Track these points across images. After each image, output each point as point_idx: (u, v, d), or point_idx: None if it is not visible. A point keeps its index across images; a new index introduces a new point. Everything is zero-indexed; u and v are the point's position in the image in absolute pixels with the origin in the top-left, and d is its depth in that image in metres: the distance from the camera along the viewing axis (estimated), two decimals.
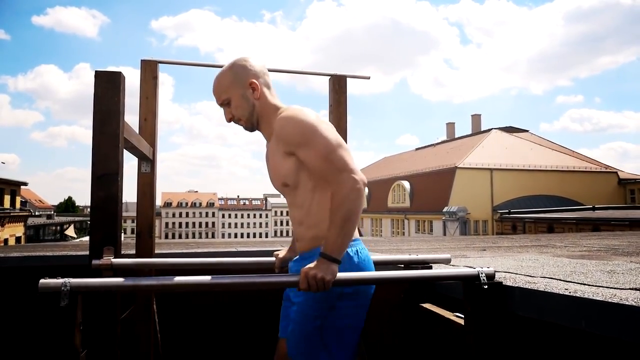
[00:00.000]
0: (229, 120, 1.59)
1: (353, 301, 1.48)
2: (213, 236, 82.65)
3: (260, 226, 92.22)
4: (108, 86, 1.74)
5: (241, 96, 1.54)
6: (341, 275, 1.39)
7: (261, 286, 1.41)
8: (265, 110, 1.56)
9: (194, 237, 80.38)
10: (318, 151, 1.41)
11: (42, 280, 1.27)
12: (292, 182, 1.51)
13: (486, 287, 1.55)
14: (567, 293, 1.41)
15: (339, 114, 2.77)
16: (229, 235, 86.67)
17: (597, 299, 1.30)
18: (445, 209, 28.64)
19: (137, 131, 2.42)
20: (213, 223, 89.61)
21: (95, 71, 1.74)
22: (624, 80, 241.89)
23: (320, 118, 1.49)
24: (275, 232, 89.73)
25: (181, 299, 3.13)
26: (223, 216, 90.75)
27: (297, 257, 1.62)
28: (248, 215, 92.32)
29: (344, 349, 1.49)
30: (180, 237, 79.89)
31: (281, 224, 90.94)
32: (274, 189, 1.62)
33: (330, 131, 1.46)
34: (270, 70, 2.73)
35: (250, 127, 1.59)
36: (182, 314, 3.13)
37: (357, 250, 1.52)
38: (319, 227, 1.49)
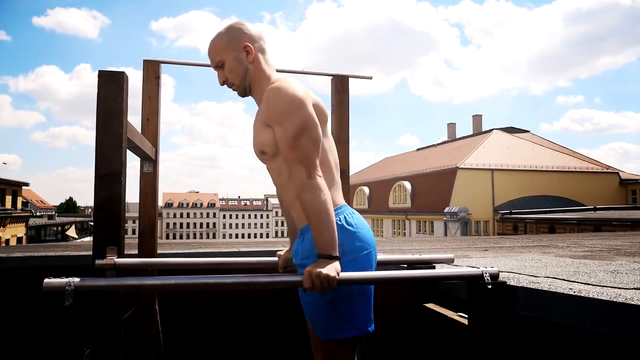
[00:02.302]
0: (221, 84, 1.58)
1: (354, 266, 1.45)
2: (214, 237, 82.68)
3: (261, 227, 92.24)
4: (111, 86, 1.74)
5: (235, 59, 1.53)
6: (344, 274, 1.38)
7: (265, 286, 1.41)
8: (257, 75, 1.55)
9: (195, 237, 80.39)
10: (286, 134, 1.40)
11: (46, 280, 1.27)
12: (269, 151, 1.51)
13: (490, 286, 1.54)
14: (571, 293, 1.41)
15: (341, 114, 2.78)
16: (230, 235, 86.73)
17: (603, 298, 1.30)
18: (446, 210, 28.62)
19: (140, 131, 2.42)
20: (214, 224, 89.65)
21: (99, 71, 1.75)
22: (624, 80, 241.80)
23: (307, 98, 1.45)
24: (276, 232, 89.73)
25: (183, 299, 3.13)
26: (224, 217, 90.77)
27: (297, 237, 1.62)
28: (249, 215, 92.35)
29: (361, 313, 1.48)
30: (181, 237, 79.92)
31: (282, 224, 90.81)
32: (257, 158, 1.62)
33: (307, 115, 1.42)
34: None
35: (243, 91, 1.58)
36: (184, 314, 3.13)
37: (344, 217, 1.49)
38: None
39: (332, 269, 1.33)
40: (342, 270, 1.37)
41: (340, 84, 2.79)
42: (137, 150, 2.20)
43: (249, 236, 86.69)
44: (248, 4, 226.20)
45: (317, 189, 1.38)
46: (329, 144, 1.58)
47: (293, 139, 1.40)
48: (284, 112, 1.41)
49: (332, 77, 2.81)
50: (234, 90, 1.58)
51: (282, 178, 1.55)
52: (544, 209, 26.06)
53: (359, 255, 1.48)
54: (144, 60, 2.54)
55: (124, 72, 1.76)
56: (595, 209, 24.80)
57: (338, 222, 1.45)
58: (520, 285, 1.60)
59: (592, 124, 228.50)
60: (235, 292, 3.17)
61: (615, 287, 1.48)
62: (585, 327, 1.33)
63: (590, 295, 1.35)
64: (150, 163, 2.53)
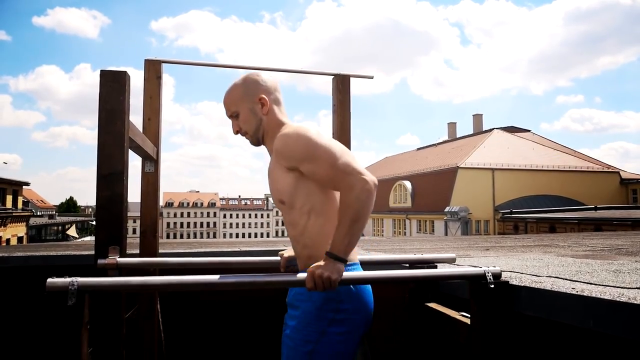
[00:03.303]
0: (235, 133, 1.61)
1: (344, 327, 1.45)
2: (214, 236, 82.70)
3: (262, 226, 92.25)
4: (113, 85, 1.74)
5: (249, 110, 1.56)
6: (347, 274, 1.39)
7: (267, 285, 1.40)
8: (271, 126, 1.57)
9: (195, 237, 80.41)
10: (324, 161, 1.41)
11: (49, 280, 1.27)
12: (288, 200, 1.50)
13: (492, 286, 1.54)
14: (574, 292, 1.41)
15: (342, 114, 2.77)
16: (231, 235, 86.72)
17: (606, 298, 1.29)
18: (446, 209, 28.61)
19: (141, 131, 2.42)
20: (214, 223, 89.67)
21: (101, 71, 1.74)
22: (624, 80, 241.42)
23: (321, 132, 1.49)
24: (277, 232, 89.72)
25: (184, 298, 3.13)
26: (224, 216, 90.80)
27: None
28: (249, 215, 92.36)
29: None
30: (182, 237, 79.93)
31: (282, 224, 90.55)
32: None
33: (332, 142, 1.47)
34: (273, 70, 2.73)
35: (256, 141, 1.61)
36: (186, 314, 3.13)
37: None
38: (313, 248, 1.49)
39: (335, 271, 1.34)
40: (322, 338, 1.40)
41: (341, 83, 2.79)
42: (139, 150, 2.20)
43: (250, 235, 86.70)
44: (248, 4, 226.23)
45: (372, 198, 1.38)
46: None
47: (333, 160, 1.41)
48: (308, 147, 1.43)
49: (333, 76, 2.81)
50: (247, 139, 1.61)
51: (295, 230, 1.53)
52: (544, 208, 26.04)
53: (351, 317, 1.46)
54: (145, 59, 2.54)
55: (126, 72, 1.76)
56: (595, 209, 24.78)
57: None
58: (522, 284, 1.60)
59: (593, 123, 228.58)
60: (237, 291, 3.16)
61: (617, 287, 1.48)
62: (588, 327, 1.33)
63: (593, 295, 1.35)
64: (151, 163, 2.53)
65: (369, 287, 1.55)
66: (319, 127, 1.54)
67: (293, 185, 1.48)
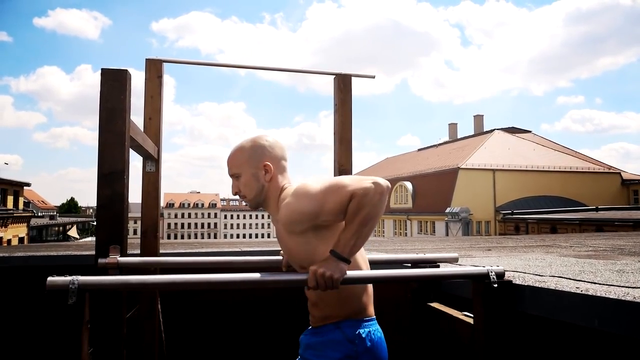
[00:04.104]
0: (234, 194, 1.58)
1: None
2: (215, 237, 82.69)
3: (263, 227, 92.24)
4: (114, 84, 1.73)
5: (252, 175, 1.52)
6: (350, 273, 1.37)
7: (269, 284, 1.39)
8: (272, 192, 1.54)
9: (196, 237, 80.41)
10: (336, 196, 1.37)
11: (49, 278, 1.26)
12: (308, 265, 1.43)
13: (496, 285, 1.53)
14: (578, 292, 1.40)
15: (344, 113, 2.76)
16: (232, 236, 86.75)
17: (611, 297, 1.28)
18: (447, 210, 28.58)
19: (142, 130, 2.41)
20: (215, 224, 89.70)
21: (102, 69, 1.74)
22: (625, 81, 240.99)
23: (322, 181, 1.45)
24: None
25: (185, 298, 3.12)
26: (225, 217, 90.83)
27: (309, 329, 1.58)
28: (250, 216, 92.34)
29: None
30: (182, 237, 79.95)
31: None
32: None
33: (331, 178, 1.44)
34: (275, 70, 2.72)
35: (255, 205, 1.57)
36: (186, 314, 3.12)
37: (369, 332, 1.47)
38: (330, 307, 1.47)
39: (338, 271, 1.33)
40: None
41: (342, 83, 2.78)
42: (140, 149, 2.20)
43: (250, 236, 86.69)
44: (248, 5, 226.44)
45: (384, 201, 1.35)
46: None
47: (344, 187, 1.36)
48: (317, 199, 1.39)
49: (334, 76, 2.80)
50: (244, 201, 1.58)
51: (314, 292, 1.48)
52: (545, 209, 26.01)
53: None
54: (146, 59, 2.53)
55: (126, 70, 1.75)
56: (597, 209, 24.76)
57: (362, 334, 1.44)
58: (526, 284, 1.59)
59: (593, 124, 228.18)
60: (238, 291, 3.15)
61: (622, 286, 1.47)
62: (592, 327, 1.31)
63: (598, 294, 1.33)
64: (152, 162, 2.52)
65: (384, 343, 1.52)
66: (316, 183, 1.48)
67: (311, 251, 1.44)
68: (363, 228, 1.34)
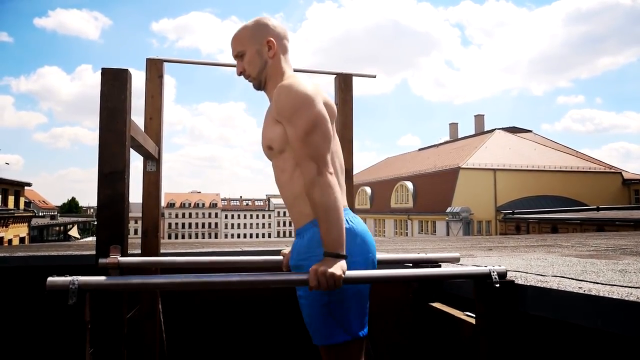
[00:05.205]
0: (239, 74, 1.59)
1: (353, 270, 1.43)
2: (216, 237, 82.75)
3: (263, 227, 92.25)
4: (115, 84, 1.72)
5: (256, 51, 1.55)
6: (350, 273, 1.37)
7: (270, 284, 1.39)
8: (274, 71, 1.56)
9: (197, 237, 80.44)
10: (297, 131, 1.40)
11: (50, 278, 1.25)
12: (276, 147, 1.50)
13: (498, 285, 1.52)
14: (581, 292, 1.39)
15: (345, 113, 2.76)
16: (232, 235, 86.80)
17: (614, 297, 1.28)
18: (448, 210, 28.56)
19: (143, 130, 2.41)
20: (216, 224, 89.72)
21: (102, 69, 1.73)
22: (625, 81, 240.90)
23: (318, 95, 1.45)
24: (278, 232, 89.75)
25: (186, 298, 3.12)
26: (226, 217, 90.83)
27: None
28: (251, 215, 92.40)
29: (354, 318, 1.47)
30: (183, 237, 79.96)
31: (284, 224, 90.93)
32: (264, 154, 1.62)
33: (317, 112, 1.41)
34: None
35: (258, 84, 1.59)
36: (187, 314, 3.12)
37: (345, 220, 1.46)
38: (305, 203, 1.46)
39: (339, 268, 1.32)
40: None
41: (343, 82, 2.77)
42: (140, 149, 2.19)
43: (251, 236, 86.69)
44: (248, 5, 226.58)
45: (327, 186, 1.37)
46: (335, 147, 1.56)
47: (304, 135, 1.39)
48: (294, 109, 1.40)
49: (335, 75, 2.79)
50: (249, 81, 1.60)
51: (284, 176, 1.53)
52: (546, 209, 25.98)
53: (359, 259, 1.46)
54: (147, 58, 2.53)
55: (127, 70, 1.75)
56: (598, 209, 24.71)
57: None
58: (528, 284, 1.59)
59: (594, 124, 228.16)
60: (239, 291, 3.15)
61: (625, 286, 1.46)
62: (596, 327, 1.31)
63: (601, 295, 1.33)
64: (153, 162, 2.52)
65: (366, 229, 1.53)
66: (323, 92, 1.52)
67: (282, 135, 1.47)
68: (328, 216, 1.34)
